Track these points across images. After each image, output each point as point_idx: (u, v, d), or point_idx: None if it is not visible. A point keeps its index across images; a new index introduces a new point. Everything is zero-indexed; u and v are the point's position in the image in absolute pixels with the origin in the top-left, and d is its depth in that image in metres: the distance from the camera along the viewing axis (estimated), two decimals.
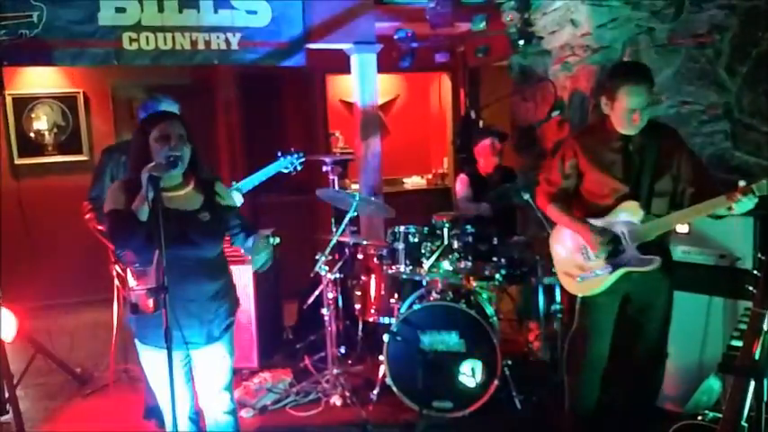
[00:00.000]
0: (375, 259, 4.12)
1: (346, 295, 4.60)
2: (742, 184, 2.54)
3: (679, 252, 3.30)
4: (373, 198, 4.82)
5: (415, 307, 3.71)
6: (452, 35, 5.77)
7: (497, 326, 3.93)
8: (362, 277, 4.21)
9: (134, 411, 3.71)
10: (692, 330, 3.27)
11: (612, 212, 2.89)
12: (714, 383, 2.61)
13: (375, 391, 3.82)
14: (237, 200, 3.49)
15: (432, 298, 3.77)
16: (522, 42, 4.81)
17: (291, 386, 4.05)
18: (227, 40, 4.58)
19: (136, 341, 2.57)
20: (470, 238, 3.93)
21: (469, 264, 3.90)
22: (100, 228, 3.41)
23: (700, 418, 2.48)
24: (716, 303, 3.24)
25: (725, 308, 3.21)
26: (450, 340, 3.63)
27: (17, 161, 5.98)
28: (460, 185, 4.78)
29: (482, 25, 4.94)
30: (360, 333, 4.52)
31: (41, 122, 6.09)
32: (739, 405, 2.17)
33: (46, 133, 6.12)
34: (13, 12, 4.11)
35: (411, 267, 3.94)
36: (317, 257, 3.99)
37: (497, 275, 3.95)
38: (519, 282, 4.19)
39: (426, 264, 3.88)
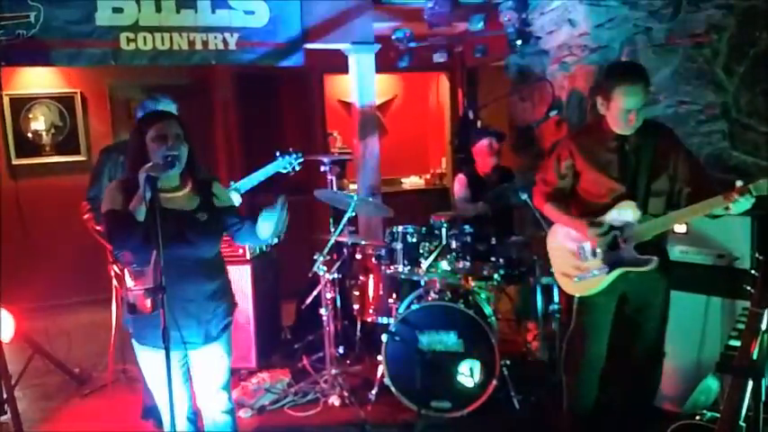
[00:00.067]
0: (373, 259, 4.11)
1: (344, 295, 4.60)
2: (739, 184, 2.54)
3: (677, 252, 3.31)
4: (371, 198, 4.82)
5: (414, 307, 3.72)
6: (450, 35, 5.77)
7: (496, 326, 3.93)
8: (361, 277, 4.21)
9: (132, 411, 3.71)
10: (690, 330, 3.28)
11: (609, 212, 2.88)
12: (712, 383, 2.61)
13: (373, 392, 3.82)
14: (236, 200, 3.48)
15: (430, 298, 3.77)
16: (519, 42, 4.82)
17: (290, 386, 4.05)
18: (224, 41, 4.58)
19: (133, 341, 2.57)
20: (469, 238, 3.92)
21: (468, 264, 3.90)
22: (98, 228, 3.40)
23: (698, 417, 2.48)
24: (714, 303, 3.24)
25: (723, 308, 3.21)
26: (449, 340, 3.63)
27: (15, 161, 5.97)
28: (458, 186, 4.78)
29: (480, 25, 4.94)
30: (358, 333, 4.52)
31: (39, 123, 6.08)
32: (737, 405, 2.17)
33: (43, 134, 6.12)
34: (9, 12, 4.10)
35: (409, 267, 3.94)
36: (315, 257, 3.99)
37: (496, 275, 3.96)
38: (517, 282, 4.20)
39: (424, 264, 3.88)
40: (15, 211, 5.19)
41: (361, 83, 5.13)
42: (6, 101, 5.91)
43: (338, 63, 5.27)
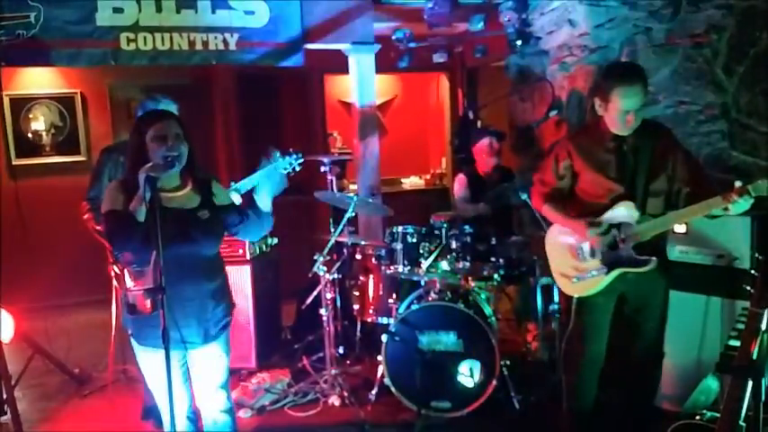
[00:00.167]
0: (373, 259, 4.12)
1: (345, 295, 4.60)
2: (738, 184, 2.54)
3: (677, 252, 3.31)
4: (371, 198, 4.82)
5: (414, 307, 3.72)
6: (450, 35, 5.77)
7: (495, 326, 3.93)
8: (361, 277, 4.21)
9: (132, 412, 3.71)
10: (689, 330, 3.28)
11: (608, 213, 2.88)
12: (712, 383, 2.62)
13: (373, 392, 3.82)
14: (236, 201, 3.48)
15: (430, 298, 3.77)
16: (519, 42, 4.82)
17: (290, 386, 4.05)
18: (224, 41, 4.58)
19: (133, 342, 2.57)
20: (468, 239, 3.92)
21: (468, 264, 3.90)
22: (98, 228, 3.40)
23: (698, 417, 2.48)
24: (714, 303, 3.24)
25: (722, 308, 3.21)
26: (449, 340, 3.63)
27: (15, 162, 5.97)
28: (458, 185, 4.78)
29: (480, 25, 4.94)
30: (358, 333, 4.52)
31: (39, 123, 6.09)
32: (737, 404, 2.17)
33: (43, 134, 6.12)
34: (10, 12, 4.10)
35: (409, 267, 3.94)
36: (315, 258, 3.99)
37: (495, 275, 3.96)
38: (517, 282, 4.20)
39: (424, 264, 3.88)
40: (15, 212, 5.19)
41: (361, 83, 5.13)
42: (6, 101, 5.91)
43: (338, 63, 5.27)
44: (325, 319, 4.01)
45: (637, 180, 2.85)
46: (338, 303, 4.42)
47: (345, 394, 3.85)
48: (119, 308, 3.74)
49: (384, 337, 3.71)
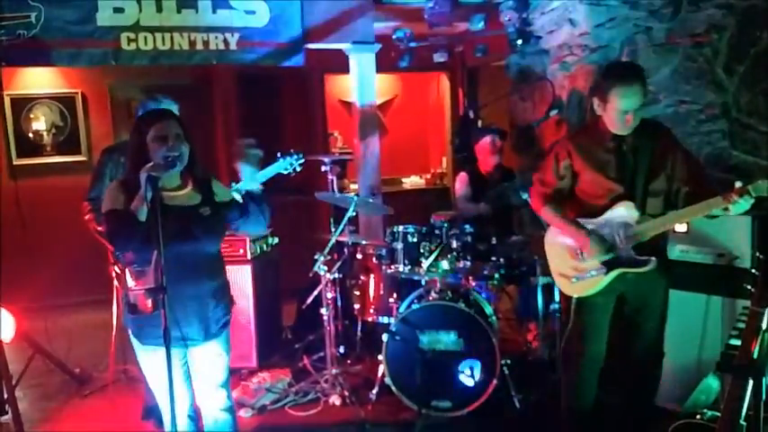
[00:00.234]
0: (374, 259, 4.12)
1: (345, 295, 4.60)
2: (738, 184, 2.53)
3: (677, 251, 3.31)
4: (372, 198, 4.82)
5: (414, 306, 3.72)
6: (451, 35, 5.78)
7: (496, 325, 3.93)
8: (361, 277, 4.21)
9: (133, 412, 3.71)
10: (690, 329, 3.28)
11: (607, 213, 2.88)
12: (713, 382, 2.61)
13: (374, 391, 3.82)
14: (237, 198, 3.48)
15: (430, 297, 3.77)
16: (520, 42, 4.82)
17: (290, 386, 4.05)
18: (225, 41, 4.58)
19: (133, 341, 2.57)
20: (469, 238, 3.93)
21: (468, 263, 3.90)
22: (99, 228, 3.40)
23: (698, 416, 2.48)
24: (714, 302, 3.25)
25: (723, 307, 3.21)
26: (449, 340, 3.63)
27: (15, 162, 5.97)
28: (460, 184, 4.78)
29: (480, 25, 4.95)
30: (359, 333, 4.52)
31: (40, 123, 6.09)
32: (738, 404, 2.17)
33: (44, 134, 6.12)
34: (10, 12, 4.10)
35: (410, 267, 3.94)
36: (315, 257, 3.99)
37: (496, 275, 3.96)
38: (517, 281, 4.20)
39: (425, 263, 3.88)
40: (16, 212, 5.19)
41: (361, 83, 5.13)
42: (7, 101, 5.92)
43: (339, 63, 5.27)
44: (325, 318, 4.01)
45: (636, 180, 2.84)
46: (339, 303, 4.42)
47: (346, 394, 3.86)
48: (119, 308, 3.74)
49: (385, 337, 3.72)
